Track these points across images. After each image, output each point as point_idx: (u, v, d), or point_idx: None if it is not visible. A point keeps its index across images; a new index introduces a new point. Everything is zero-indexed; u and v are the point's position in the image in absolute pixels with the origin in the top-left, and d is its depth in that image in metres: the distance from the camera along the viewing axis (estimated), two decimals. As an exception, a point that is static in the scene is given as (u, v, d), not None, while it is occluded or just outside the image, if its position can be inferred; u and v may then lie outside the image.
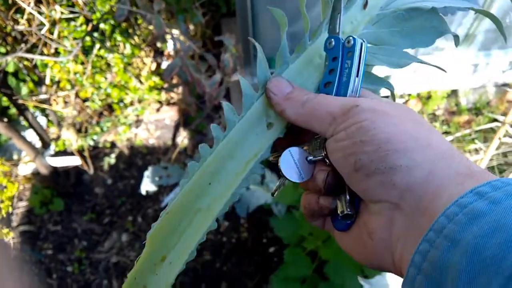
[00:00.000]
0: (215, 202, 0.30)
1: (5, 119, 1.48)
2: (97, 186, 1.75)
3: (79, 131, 1.85)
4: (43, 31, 1.28)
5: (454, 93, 1.85)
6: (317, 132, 0.28)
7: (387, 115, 0.25)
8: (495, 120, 1.42)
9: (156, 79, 1.82)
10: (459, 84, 1.80)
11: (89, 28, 1.51)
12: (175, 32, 1.16)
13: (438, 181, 0.22)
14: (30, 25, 1.31)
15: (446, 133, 1.75)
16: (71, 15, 1.45)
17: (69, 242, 1.58)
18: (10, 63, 1.47)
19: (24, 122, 1.67)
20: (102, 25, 1.57)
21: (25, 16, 1.29)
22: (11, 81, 1.60)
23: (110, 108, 1.94)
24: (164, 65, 1.88)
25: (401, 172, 0.23)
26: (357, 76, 0.29)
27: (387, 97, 0.43)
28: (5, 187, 0.99)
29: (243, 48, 1.33)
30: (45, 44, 1.47)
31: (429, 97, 1.83)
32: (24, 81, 1.67)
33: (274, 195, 0.32)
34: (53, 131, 1.87)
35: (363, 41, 0.29)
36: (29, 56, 1.28)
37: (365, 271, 0.97)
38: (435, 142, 0.24)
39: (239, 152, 0.30)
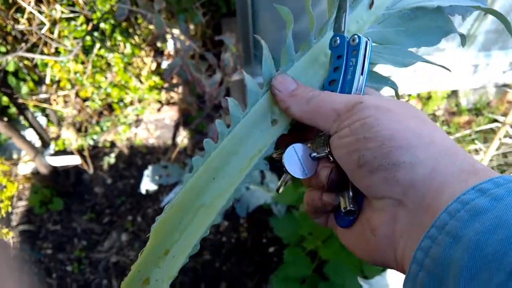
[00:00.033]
0: (219, 197, 0.30)
1: (5, 118, 1.48)
2: (97, 185, 1.75)
3: (79, 130, 1.85)
4: (43, 31, 1.28)
5: (454, 93, 1.85)
6: (321, 129, 0.28)
7: (390, 112, 0.25)
8: (495, 120, 1.42)
9: (156, 78, 1.82)
10: (459, 85, 1.80)
11: (89, 27, 1.51)
12: (176, 31, 1.16)
13: (441, 178, 0.22)
14: (30, 25, 1.31)
15: (446, 133, 1.75)
16: (71, 15, 1.45)
17: (69, 242, 1.58)
18: (10, 62, 1.47)
19: (24, 122, 1.66)
20: (102, 25, 1.57)
21: (26, 16, 1.29)
22: (11, 80, 1.60)
23: (110, 107, 1.94)
24: (164, 64, 1.88)
25: (404, 169, 0.23)
26: (362, 74, 0.29)
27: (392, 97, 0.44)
28: (5, 186, 0.99)
29: (244, 47, 1.33)
30: (45, 44, 1.47)
31: (429, 97, 1.83)
32: (24, 80, 1.67)
33: (279, 191, 0.32)
34: (53, 130, 1.87)
35: (368, 39, 0.29)
36: (29, 55, 1.28)
37: (365, 271, 0.97)
38: (438, 139, 0.24)
39: (243, 147, 0.30)
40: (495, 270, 0.17)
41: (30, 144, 1.52)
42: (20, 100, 1.51)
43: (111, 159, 1.82)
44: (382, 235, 0.25)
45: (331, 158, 0.28)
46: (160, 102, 2.01)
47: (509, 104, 1.81)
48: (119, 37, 1.65)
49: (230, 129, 0.31)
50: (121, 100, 1.87)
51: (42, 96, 1.64)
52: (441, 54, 1.55)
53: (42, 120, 1.83)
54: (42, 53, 1.47)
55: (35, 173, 1.71)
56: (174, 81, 1.68)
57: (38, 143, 1.72)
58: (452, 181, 0.22)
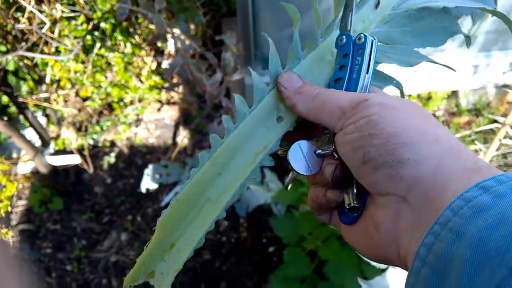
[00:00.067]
0: (224, 192, 0.31)
1: (5, 118, 1.48)
2: (97, 185, 1.75)
3: (79, 130, 1.85)
4: (43, 30, 1.28)
5: (454, 94, 1.85)
6: (326, 126, 0.29)
7: (396, 110, 0.25)
8: (495, 121, 1.42)
9: (156, 78, 1.82)
10: (459, 85, 1.80)
11: (89, 27, 1.51)
12: (176, 31, 1.16)
13: (445, 176, 0.23)
14: (30, 24, 1.31)
15: (446, 134, 1.75)
16: (72, 14, 1.45)
17: (69, 241, 1.58)
18: (10, 61, 1.47)
19: (23, 121, 1.66)
20: (102, 24, 1.57)
21: (26, 15, 1.29)
22: (11, 79, 1.60)
23: (110, 107, 1.94)
24: (165, 64, 1.88)
25: (408, 166, 0.23)
26: (367, 72, 0.29)
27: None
28: (4, 186, 0.99)
29: (244, 47, 1.33)
30: (45, 43, 1.47)
31: (429, 97, 1.83)
32: (24, 79, 1.67)
33: (288, 188, 0.33)
34: (52, 129, 1.87)
35: (374, 38, 0.29)
36: (29, 54, 1.28)
37: (365, 271, 0.97)
38: (443, 137, 0.24)
39: (249, 144, 0.31)
40: (497, 265, 0.17)
41: (30, 143, 1.52)
42: (20, 99, 1.51)
43: (111, 158, 1.82)
44: (385, 231, 0.25)
45: (335, 155, 0.28)
46: (160, 101, 2.01)
47: (509, 105, 1.81)
48: (119, 37, 1.65)
49: (236, 125, 0.31)
50: (121, 99, 1.87)
51: (42, 95, 1.64)
52: (441, 54, 1.55)
53: (42, 119, 1.83)
54: (42, 52, 1.47)
55: (35, 173, 1.71)
56: (175, 80, 1.68)
57: (38, 143, 1.72)
58: (455, 178, 0.22)
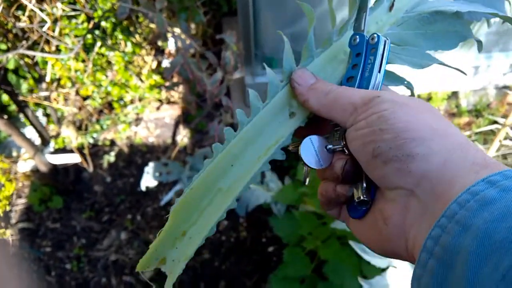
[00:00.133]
0: (236, 183, 0.31)
1: (5, 116, 1.48)
2: (97, 184, 1.75)
3: (79, 128, 1.85)
4: (44, 28, 1.28)
5: (454, 94, 1.85)
6: (338, 122, 0.29)
7: (407, 106, 0.26)
8: (495, 122, 1.42)
9: (156, 77, 1.82)
10: (459, 86, 1.80)
11: (90, 25, 1.51)
12: (177, 30, 1.16)
13: (453, 171, 0.23)
14: (31, 22, 1.31)
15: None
16: (72, 13, 1.45)
17: (68, 240, 1.58)
18: (11, 60, 1.47)
19: (24, 119, 1.66)
20: (103, 23, 1.57)
21: (27, 13, 1.29)
22: (11, 78, 1.60)
23: (110, 106, 1.94)
24: (165, 63, 1.88)
25: (417, 160, 0.24)
26: (379, 71, 0.30)
27: None
28: (3, 185, 0.99)
29: (244, 47, 1.33)
30: (46, 41, 1.47)
31: (429, 98, 1.83)
32: (25, 78, 1.67)
33: (306, 182, 0.34)
34: (52, 128, 1.87)
35: (387, 39, 0.30)
36: (30, 53, 1.28)
37: (364, 271, 0.97)
38: (452, 134, 0.25)
39: (261, 137, 0.32)
40: (502, 257, 0.18)
41: (30, 142, 1.52)
42: (20, 98, 1.51)
43: (111, 157, 1.82)
44: (394, 225, 0.26)
45: (346, 151, 0.29)
46: (160, 101, 2.01)
47: (509, 106, 1.81)
48: (120, 36, 1.65)
49: (249, 119, 0.32)
50: (121, 98, 1.87)
51: (42, 94, 1.64)
52: (442, 55, 1.55)
53: (42, 118, 1.83)
54: (43, 50, 1.47)
55: (35, 171, 1.71)
56: (175, 79, 1.68)
57: (38, 141, 1.72)
58: (463, 173, 0.23)
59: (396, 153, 0.24)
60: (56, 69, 1.59)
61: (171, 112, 1.99)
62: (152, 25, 1.71)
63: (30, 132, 1.75)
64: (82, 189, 1.73)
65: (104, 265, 1.49)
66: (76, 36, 1.54)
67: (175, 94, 1.99)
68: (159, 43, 1.84)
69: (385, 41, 0.30)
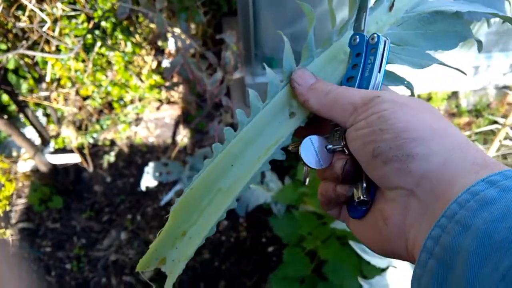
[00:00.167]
0: (236, 183, 0.32)
1: (5, 116, 1.48)
2: (97, 184, 1.75)
3: (79, 128, 1.85)
4: (44, 28, 1.28)
5: (454, 94, 1.85)
6: (338, 122, 0.29)
7: (407, 106, 0.26)
8: (495, 122, 1.42)
9: (156, 77, 1.82)
10: (459, 86, 1.80)
11: (90, 25, 1.51)
12: (177, 30, 1.16)
13: (453, 171, 0.23)
14: (31, 22, 1.31)
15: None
16: (72, 13, 1.45)
17: (68, 240, 1.58)
18: (11, 60, 1.47)
19: (24, 119, 1.66)
20: (103, 23, 1.57)
21: (27, 13, 1.29)
22: (11, 77, 1.60)
23: (110, 106, 1.94)
24: (165, 63, 1.88)
25: (417, 160, 0.24)
26: (379, 71, 0.30)
27: None
28: (3, 185, 0.99)
29: (244, 47, 1.33)
30: (46, 41, 1.47)
31: (429, 98, 1.83)
32: (25, 78, 1.67)
33: (306, 182, 0.34)
34: (52, 128, 1.87)
35: (387, 39, 0.30)
36: (30, 53, 1.28)
37: (364, 271, 0.97)
38: (452, 134, 0.25)
39: (261, 137, 0.32)
40: (502, 256, 0.18)
41: (30, 142, 1.52)
42: (20, 98, 1.51)
43: (111, 157, 1.82)
44: (394, 225, 0.26)
45: (346, 151, 0.29)
46: (160, 101, 2.01)
47: (509, 106, 1.81)
48: (120, 36, 1.65)
49: (249, 119, 0.32)
50: (121, 98, 1.87)
51: (42, 94, 1.64)
52: (442, 55, 1.55)
53: (42, 118, 1.83)
54: (43, 50, 1.47)
55: (35, 171, 1.71)
56: (175, 79, 1.68)
57: (38, 141, 1.72)
58: (463, 173, 0.23)
59: (396, 153, 0.24)
60: (56, 69, 1.59)
61: (171, 112, 1.99)
62: (152, 25, 1.71)
63: (30, 132, 1.75)
64: (82, 189, 1.73)
65: (104, 265, 1.49)
66: (76, 36, 1.54)
67: (175, 94, 1.99)
68: (159, 43, 1.84)
69: (385, 41, 0.30)
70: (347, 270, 0.97)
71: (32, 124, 1.61)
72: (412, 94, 0.34)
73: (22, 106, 1.54)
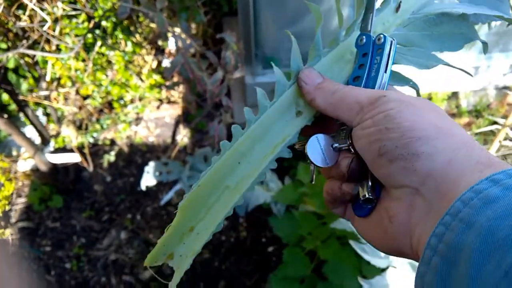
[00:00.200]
0: (243, 180, 0.32)
1: (5, 115, 1.48)
2: (97, 183, 1.75)
3: (79, 128, 1.85)
4: (44, 28, 1.28)
5: (454, 95, 1.85)
6: (344, 121, 0.30)
7: (413, 106, 0.26)
8: (495, 122, 1.42)
9: (157, 77, 1.82)
10: (459, 86, 1.80)
11: (91, 25, 1.51)
12: (177, 30, 1.16)
13: (457, 169, 0.24)
14: (32, 22, 1.31)
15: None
16: (73, 12, 1.45)
17: (68, 239, 1.58)
18: (11, 59, 1.47)
19: (24, 119, 1.66)
20: (104, 23, 1.57)
21: (27, 13, 1.29)
22: (11, 77, 1.60)
23: (110, 105, 1.94)
24: (165, 63, 1.88)
25: (422, 159, 0.24)
26: (386, 71, 0.30)
27: None
28: (3, 184, 0.99)
29: (245, 47, 1.33)
30: (46, 41, 1.46)
31: (429, 98, 1.83)
32: (25, 77, 1.67)
33: (313, 181, 0.34)
34: (52, 127, 1.87)
35: (393, 39, 0.30)
36: (30, 52, 1.28)
37: (364, 271, 0.97)
38: (457, 133, 0.25)
39: (268, 135, 0.32)
40: (505, 254, 0.18)
41: (30, 141, 1.52)
42: (20, 97, 1.51)
43: (111, 157, 1.82)
44: (399, 223, 0.26)
45: (352, 149, 0.29)
46: (160, 100, 2.01)
47: (509, 107, 1.81)
48: (120, 35, 1.65)
49: (257, 117, 0.32)
50: (121, 98, 1.87)
51: (43, 93, 1.64)
52: (442, 55, 1.55)
53: (42, 117, 1.83)
54: (43, 50, 1.47)
55: (35, 170, 1.71)
56: (175, 79, 1.68)
57: (38, 140, 1.72)
58: (468, 172, 0.23)
59: (402, 152, 0.25)
60: (56, 69, 1.59)
61: (171, 112, 1.99)
62: (153, 25, 1.71)
63: (30, 131, 1.75)
64: (82, 188, 1.73)
65: (103, 264, 1.49)
66: (76, 35, 1.54)
67: (175, 94, 1.99)
68: (160, 42, 1.84)
69: (391, 42, 0.30)
70: (347, 270, 0.97)
71: (32, 123, 1.61)
72: (418, 94, 0.35)
73: (22, 106, 1.54)
